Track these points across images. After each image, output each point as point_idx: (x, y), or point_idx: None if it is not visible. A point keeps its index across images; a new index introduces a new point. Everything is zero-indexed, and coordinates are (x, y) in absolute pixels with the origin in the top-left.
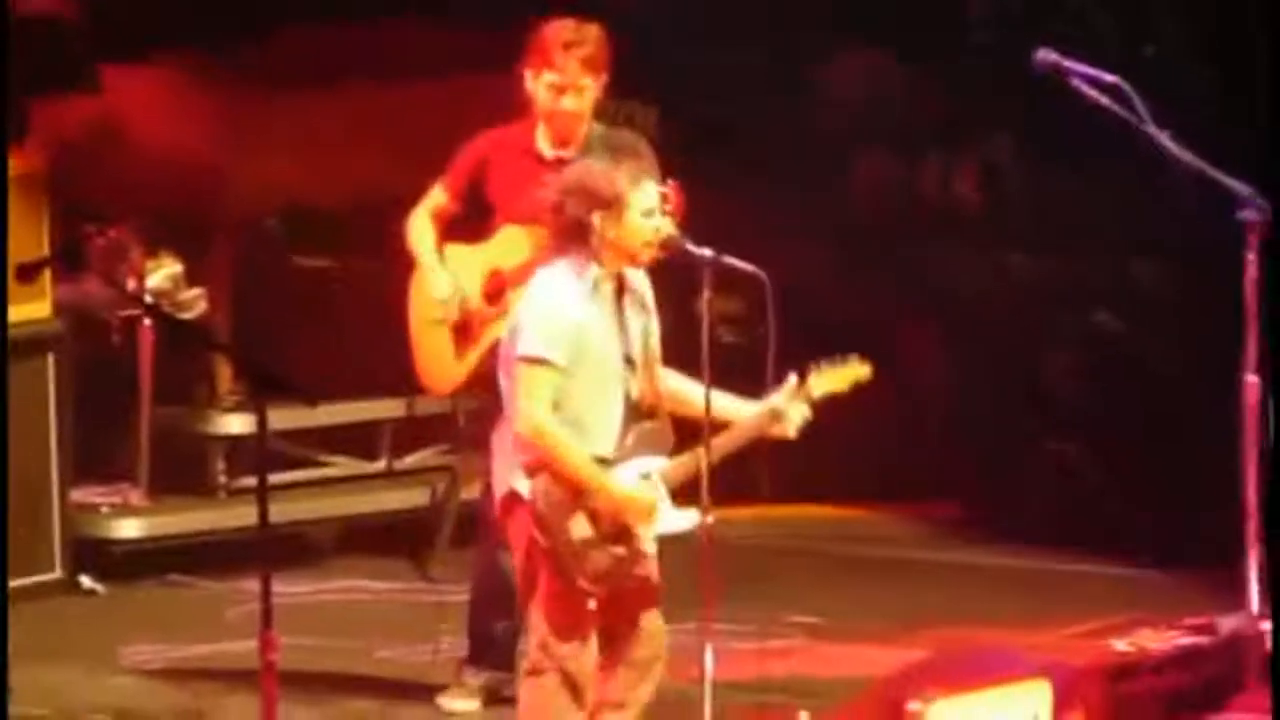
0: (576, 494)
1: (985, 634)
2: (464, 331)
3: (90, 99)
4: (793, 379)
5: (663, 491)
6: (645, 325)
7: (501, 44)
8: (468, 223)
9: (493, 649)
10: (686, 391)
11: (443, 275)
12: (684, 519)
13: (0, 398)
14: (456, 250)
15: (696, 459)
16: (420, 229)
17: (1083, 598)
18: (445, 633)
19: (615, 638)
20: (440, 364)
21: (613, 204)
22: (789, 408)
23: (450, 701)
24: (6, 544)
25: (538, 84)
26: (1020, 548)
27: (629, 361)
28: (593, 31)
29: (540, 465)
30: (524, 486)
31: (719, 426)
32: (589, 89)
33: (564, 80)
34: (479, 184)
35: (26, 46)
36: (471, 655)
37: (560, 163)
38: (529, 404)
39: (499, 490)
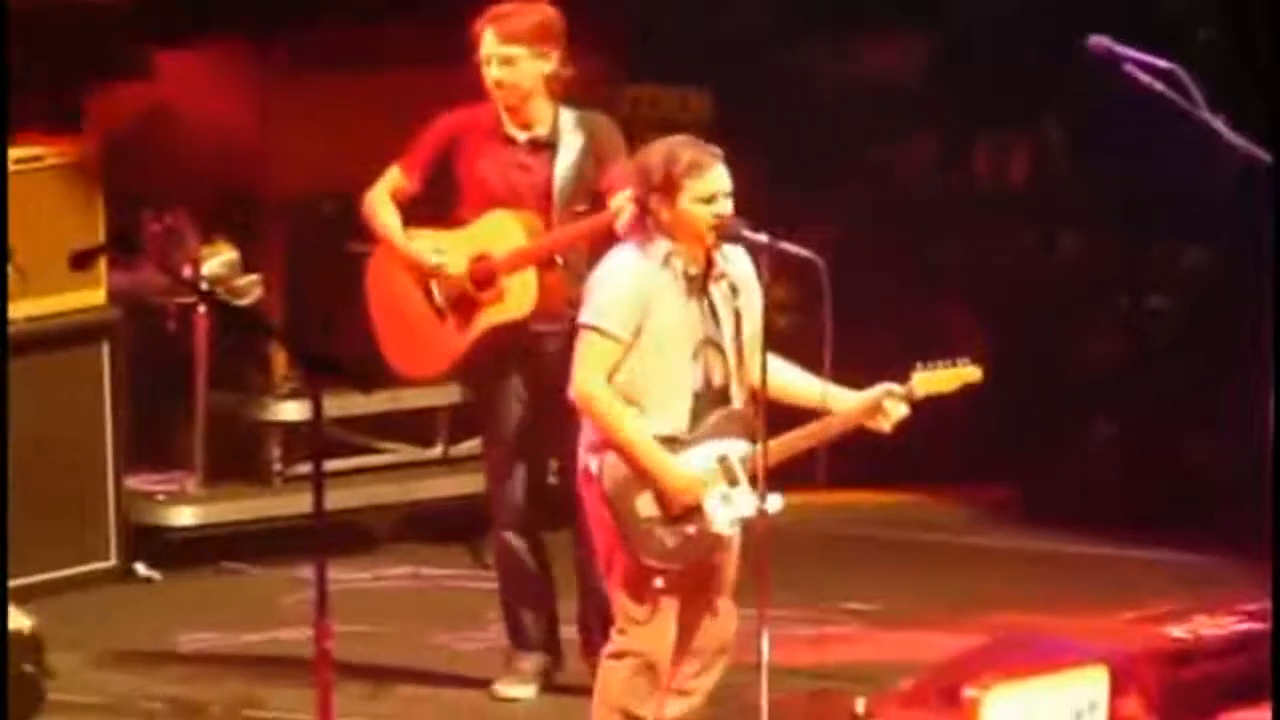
0: (643, 472)
1: (1042, 620)
2: (454, 313)
3: (144, 85)
4: (888, 386)
5: (742, 476)
6: (738, 311)
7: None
8: (425, 205)
9: (523, 630)
10: (795, 383)
11: (424, 245)
12: (768, 503)
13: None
14: (424, 234)
15: (781, 446)
16: (383, 208)
17: (1139, 583)
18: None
19: (685, 624)
20: (423, 345)
21: (665, 187)
22: (889, 403)
23: (506, 688)
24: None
25: (482, 65)
26: (1077, 533)
27: (712, 344)
28: (525, 9)
29: (604, 443)
30: (594, 463)
31: (815, 414)
32: (520, 59)
33: (487, 52)
34: (444, 165)
35: (79, 34)
36: (511, 640)
37: (534, 144)
38: (581, 371)
39: (580, 463)
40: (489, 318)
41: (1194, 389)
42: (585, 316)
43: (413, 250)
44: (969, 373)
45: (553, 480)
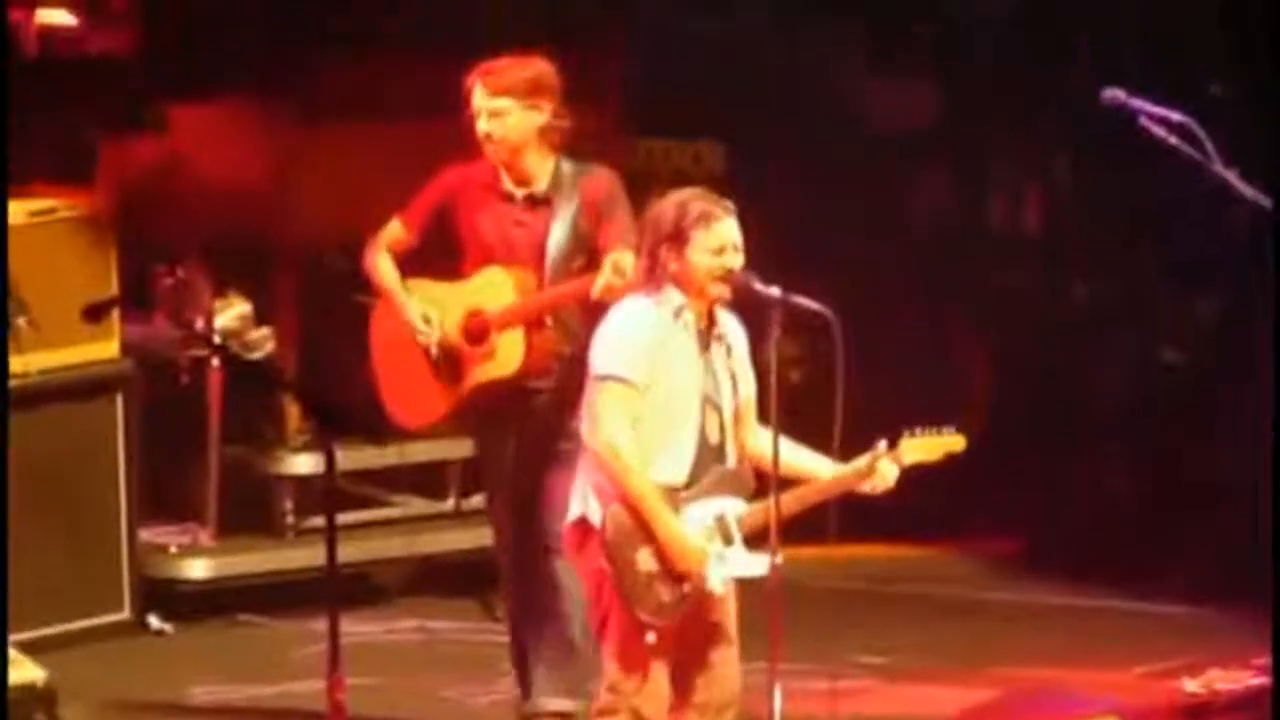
0: (646, 526)
1: (1054, 674)
2: (447, 367)
3: (156, 138)
4: (882, 444)
5: (737, 535)
6: (734, 374)
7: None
8: (423, 258)
9: (534, 683)
10: (792, 458)
11: (416, 305)
12: (755, 564)
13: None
14: (424, 285)
15: (773, 508)
16: (382, 261)
17: (1149, 636)
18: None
19: (684, 680)
20: (418, 396)
21: (674, 238)
22: (880, 468)
23: None
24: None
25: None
26: (1087, 586)
27: (710, 403)
28: (517, 63)
29: (616, 495)
30: (595, 514)
31: (803, 480)
32: (508, 112)
33: (477, 105)
34: (442, 220)
35: (92, 87)
36: (523, 692)
37: (531, 200)
38: (606, 422)
39: (571, 515)
40: (477, 375)
41: (1202, 439)
42: (602, 367)
43: (404, 308)
44: (953, 441)
45: None
